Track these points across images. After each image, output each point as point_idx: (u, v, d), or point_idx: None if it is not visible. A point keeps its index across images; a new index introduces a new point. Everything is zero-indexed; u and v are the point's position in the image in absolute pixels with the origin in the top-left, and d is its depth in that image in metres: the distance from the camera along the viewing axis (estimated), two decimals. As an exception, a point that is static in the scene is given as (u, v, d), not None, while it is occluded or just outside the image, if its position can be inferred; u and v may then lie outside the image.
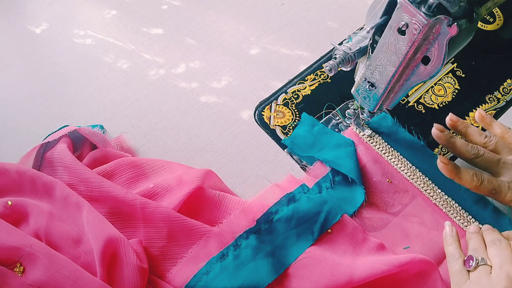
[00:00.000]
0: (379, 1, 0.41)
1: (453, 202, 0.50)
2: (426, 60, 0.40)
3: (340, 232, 0.48)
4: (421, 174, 0.52)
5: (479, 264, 0.41)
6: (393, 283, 0.45)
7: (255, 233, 0.47)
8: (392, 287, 0.45)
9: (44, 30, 0.69)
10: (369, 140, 0.54)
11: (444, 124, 0.57)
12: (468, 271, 0.41)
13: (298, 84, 0.61)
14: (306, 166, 0.55)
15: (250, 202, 0.50)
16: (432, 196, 0.51)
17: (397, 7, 0.37)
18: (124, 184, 0.51)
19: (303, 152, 0.55)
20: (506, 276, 0.38)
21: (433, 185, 0.51)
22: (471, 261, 0.41)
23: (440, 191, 0.51)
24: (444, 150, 0.55)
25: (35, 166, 0.53)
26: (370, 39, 0.43)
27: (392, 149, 0.54)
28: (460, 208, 0.50)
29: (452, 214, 0.50)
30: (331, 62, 0.44)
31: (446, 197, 0.51)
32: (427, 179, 0.52)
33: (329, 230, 0.47)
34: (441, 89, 0.60)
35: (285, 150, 0.56)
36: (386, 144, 0.54)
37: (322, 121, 0.57)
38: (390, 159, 0.53)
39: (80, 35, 0.68)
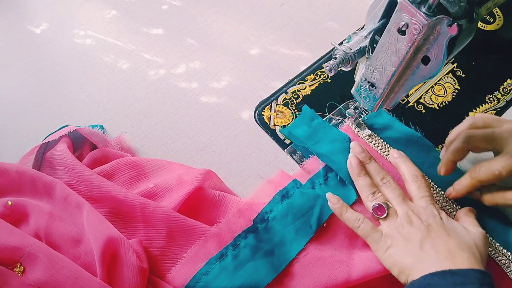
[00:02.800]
0: (379, 1, 0.41)
1: (455, 203, 0.50)
2: (426, 60, 0.40)
3: (335, 226, 0.48)
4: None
5: (389, 209, 0.46)
6: (389, 283, 0.45)
7: (253, 232, 0.47)
8: (389, 286, 0.45)
9: (44, 30, 0.69)
10: (368, 139, 0.54)
11: (444, 124, 0.57)
12: (378, 219, 0.46)
13: (298, 84, 0.61)
14: (306, 166, 0.55)
15: (246, 202, 0.50)
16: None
17: (397, 7, 0.37)
18: (124, 184, 0.51)
19: (299, 143, 0.55)
20: (408, 215, 0.45)
21: (430, 181, 0.52)
22: (380, 212, 0.46)
23: (436, 186, 0.51)
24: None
25: (35, 166, 0.53)
26: (370, 39, 0.43)
27: (391, 148, 0.54)
28: (456, 204, 0.50)
29: (448, 209, 0.50)
30: (331, 62, 0.44)
31: (442, 192, 0.51)
32: (430, 181, 0.52)
33: (324, 224, 0.47)
34: (441, 89, 0.60)
35: (285, 150, 0.56)
36: (386, 143, 0.54)
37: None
38: (387, 156, 0.53)
39: (80, 35, 0.68)
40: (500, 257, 0.47)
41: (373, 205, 0.47)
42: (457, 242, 0.43)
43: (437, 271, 0.40)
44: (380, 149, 0.54)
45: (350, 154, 0.51)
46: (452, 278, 0.40)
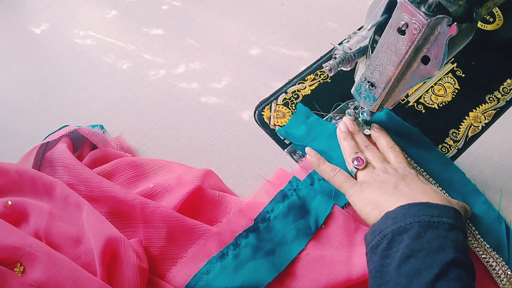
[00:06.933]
0: (379, 1, 0.41)
1: (447, 195, 0.51)
2: (426, 60, 0.40)
3: (334, 225, 0.48)
4: (416, 165, 0.53)
5: (367, 163, 0.49)
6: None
7: (254, 231, 0.47)
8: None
9: (44, 30, 0.69)
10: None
11: (444, 124, 0.57)
12: (357, 169, 0.49)
13: (298, 84, 0.61)
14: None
15: (247, 202, 0.50)
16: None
17: (397, 7, 0.37)
18: (124, 184, 0.51)
19: (296, 141, 0.55)
20: (385, 167, 0.48)
21: (428, 176, 0.52)
22: (360, 161, 0.49)
23: (434, 182, 0.52)
24: (444, 151, 0.55)
25: (35, 166, 0.53)
26: (370, 39, 0.43)
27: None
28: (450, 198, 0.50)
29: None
30: (331, 62, 0.44)
31: (441, 189, 0.51)
32: (422, 170, 0.52)
33: (323, 226, 0.48)
34: (441, 89, 0.60)
35: (285, 150, 0.56)
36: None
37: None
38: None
39: (80, 35, 0.68)
40: (487, 259, 0.47)
41: (353, 158, 0.49)
42: (432, 188, 0.45)
43: (414, 202, 0.41)
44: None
45: (340, 121, 0.54)
46: (429, 210, 0.40)
